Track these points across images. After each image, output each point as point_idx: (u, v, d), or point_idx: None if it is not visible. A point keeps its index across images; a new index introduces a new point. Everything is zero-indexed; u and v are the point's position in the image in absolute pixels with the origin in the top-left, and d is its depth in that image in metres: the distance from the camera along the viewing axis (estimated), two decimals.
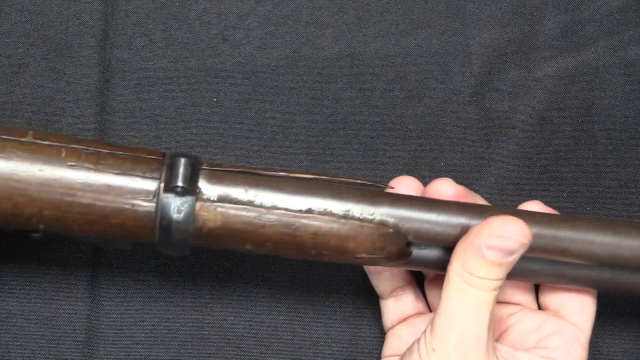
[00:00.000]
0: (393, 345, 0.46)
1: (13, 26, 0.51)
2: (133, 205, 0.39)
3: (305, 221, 0.40)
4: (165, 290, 0.49)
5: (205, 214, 0.40)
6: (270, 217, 0.40)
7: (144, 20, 0.52)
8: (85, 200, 0.39)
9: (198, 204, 0.39)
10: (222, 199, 0.40)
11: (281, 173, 0.41)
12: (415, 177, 0.45)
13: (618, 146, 0.52)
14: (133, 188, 0.39)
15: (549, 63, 0.53)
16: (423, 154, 0.51)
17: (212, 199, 0.40)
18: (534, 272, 0.43)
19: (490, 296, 0.40)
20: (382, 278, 0.46)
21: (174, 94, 0.51)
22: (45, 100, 0.50)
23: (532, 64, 0.53)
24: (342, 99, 0.52)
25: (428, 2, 0.53)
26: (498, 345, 0.43)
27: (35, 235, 0.41)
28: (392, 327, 0.47)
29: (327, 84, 0.52)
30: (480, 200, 0.45)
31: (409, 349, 0.42)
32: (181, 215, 0.39)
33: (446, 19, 0.53)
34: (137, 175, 0.39)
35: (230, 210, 0.40)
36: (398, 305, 0.47)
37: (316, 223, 0.40)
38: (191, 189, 0.39)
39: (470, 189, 0.45)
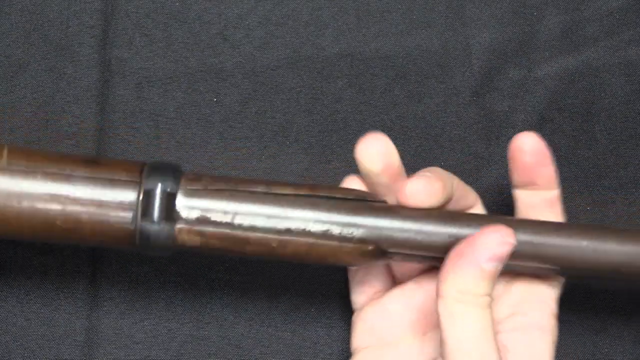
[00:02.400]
0: (363, 330, 0.46)
1: (13, 26, 0.51)
2: (111, 227, 0.40)
3: (284, 241, 0.40)
4: (165, 290, 0.49)
5: (185, 236, 0.40)
6: (250, 236, 0.40)
7: (144, 20, 0.52)
8: (65, 227, 0.40)
9: (177, 227, 0.40)
10: (200, 221, 0.40)
11: (260, 189, 0.40)
12: None
13: (618, 146, 0.52)
14: (109, 213, 0.40)
15: (549, 63, 0.53)
16: (423, 154, 0.51)
17: (190, 221, 0.40)
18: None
19: (489, 312, 0.39)
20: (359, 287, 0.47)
21: (174, 94, 0.51)
22: (45, 100, 0.50)
23: (532, 64, 0.53)
24: (342, 99, 0.52)
25: (428, 2, 0.53)
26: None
27: None
28: (360, 308, 0.46)
29: (327, 84, 0.52)
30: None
31: None
32: (160, 239, 0.40)
33: (446, 19, 0.53)
34: (112, 206, 0.40)
35: (209, 231, 0.40)
36: (365, 280, 0.47)
37: (295, 243, 0.40)
38: (168, 215, 0.40)
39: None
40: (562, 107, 0.52)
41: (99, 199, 0.40)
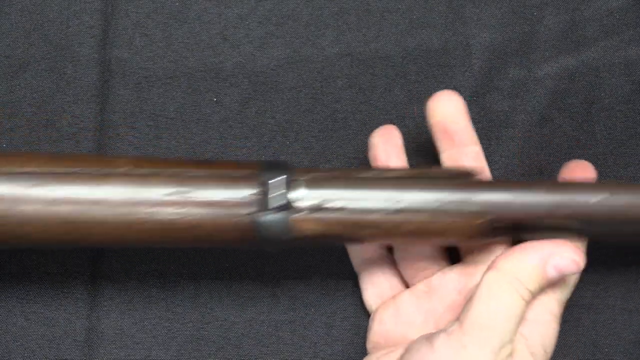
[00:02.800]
0: (378, 332, 0.47)
1: (13, 26, 0.51)
2: (230, 223, 0.41)
3: (398, 222, 0.41)
4: (165, 290, 0.49)
5: (303, 225, 0.41)
6: (365, 220, 0.41)
7: (144, 20, 0.52)
8: (184, 224, 0.40)
9: (295, 217, 0.41)
10: (317, 209, 0.41)
11: (371, 174, 0.42)
12: None
13: (618, 146, 0.52)
14: (230, 208, 0.41)
15: (549, 63, 0.53)
16: (423, 154, 0.51)
17: (307, 210, 0.41)
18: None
19: (525, 307, 0.41)
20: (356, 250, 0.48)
21: (174, 94, 0.51)
22: (45, 100, 0.50)
23: (532, 63, 0.53)
24: (342, 99, 0.52)
25: (428, 2, 0.53)
26: None
27: None
28: (375, 310, 0.47)
29: (327, 84, 0.52)
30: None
31: (416, 345, 0.42)
32: (279, 230, 0.41)
33: (446, 19, 0.53)
34: (232, 198, 0.41)
35: (326, 218, 0.41)
36: (375, 280, 0.47)
37: (409, 224, 0.41)
38: (286, 205, 0.41)
39: None
40: (562, 107, 0.52)
41: (218, 198, 0.41)
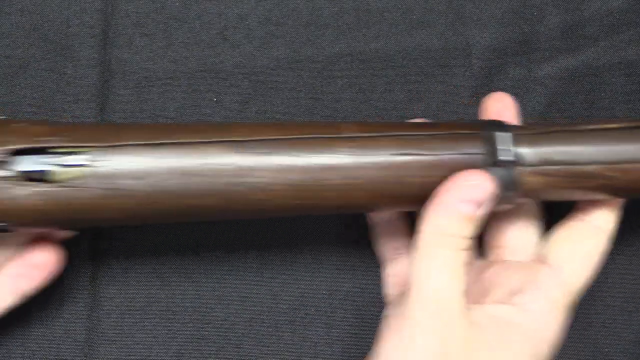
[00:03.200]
0: (393, 283, 0.47)
1: (13, 26, 0.51)
2: None
3: (618, 172, 0.42)
4: (165, 291, 0.49)
5: (529, 178, 0.42)
6: (586, 171, 0.42)
7: (144, 20, 0.52)
8: (416, 182, 0.41)
9: (521, 171, 0.41)
10: (541, 163, 0.42)
11: (591, 126, 0.42)
12: None
13: None
14: (457, 166, 0.41)
15: (549, 63, 0.53)
16: None
17: (533, 163, 0.42)
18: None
19: (463, 256, 0.40)
20: (387, 239, 0.48)
21: (174, 94, 0.51)
22: (45, 100, 0.50)
23: (533, 63, 0.53)
24: (342, 99, 0.52)
25: (428, 2, 0.53)
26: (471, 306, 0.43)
27: None
28: (388, 262, 0.48)
29: (327, 84, 0.52)
30: None
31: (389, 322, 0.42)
32: (506, 184, 0.41)
33: (446, 19, 0.53)
34: (459, 154, 0.41)
35: (549, 172, 0.42)
36: (397, 266, 0.48)
37: (630, 174, 0.42)
38: (514, 160, 0.41)
39: None
40: (562, 107, 0.52)
41: (446, 157, 0.41)
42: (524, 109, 0.52)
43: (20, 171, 0.39)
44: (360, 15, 0.52)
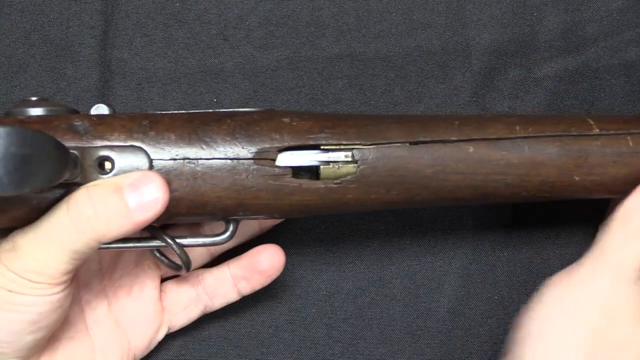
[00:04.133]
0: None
1: (13, 26, 0.51)
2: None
3: None
4: None
5: None
6: None
7: (144, 20, 0.52)
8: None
9: None
10: None
11: None
12: None
13: None
14: None
15: (549, 63, 0.53)
16: None
17: None
18: None
19: None
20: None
21: (174, 94, 0.51)
22: None
23: (532, 64, 0.53)
24: (342, 99, 0.52)
25: (428, 2, 0.53)
26: None
27: None
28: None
29: (327, 84, 0.52)
30: None
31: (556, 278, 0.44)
32: None
33: (446, 19, 0.53)
34: None
35: None
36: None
37: None
38: None
39: None
40: (562, 107, 0.52)
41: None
42: (524, 109, 0.52)
43: (289, 167, 0.40)
44: (360, 15, 0.52)
